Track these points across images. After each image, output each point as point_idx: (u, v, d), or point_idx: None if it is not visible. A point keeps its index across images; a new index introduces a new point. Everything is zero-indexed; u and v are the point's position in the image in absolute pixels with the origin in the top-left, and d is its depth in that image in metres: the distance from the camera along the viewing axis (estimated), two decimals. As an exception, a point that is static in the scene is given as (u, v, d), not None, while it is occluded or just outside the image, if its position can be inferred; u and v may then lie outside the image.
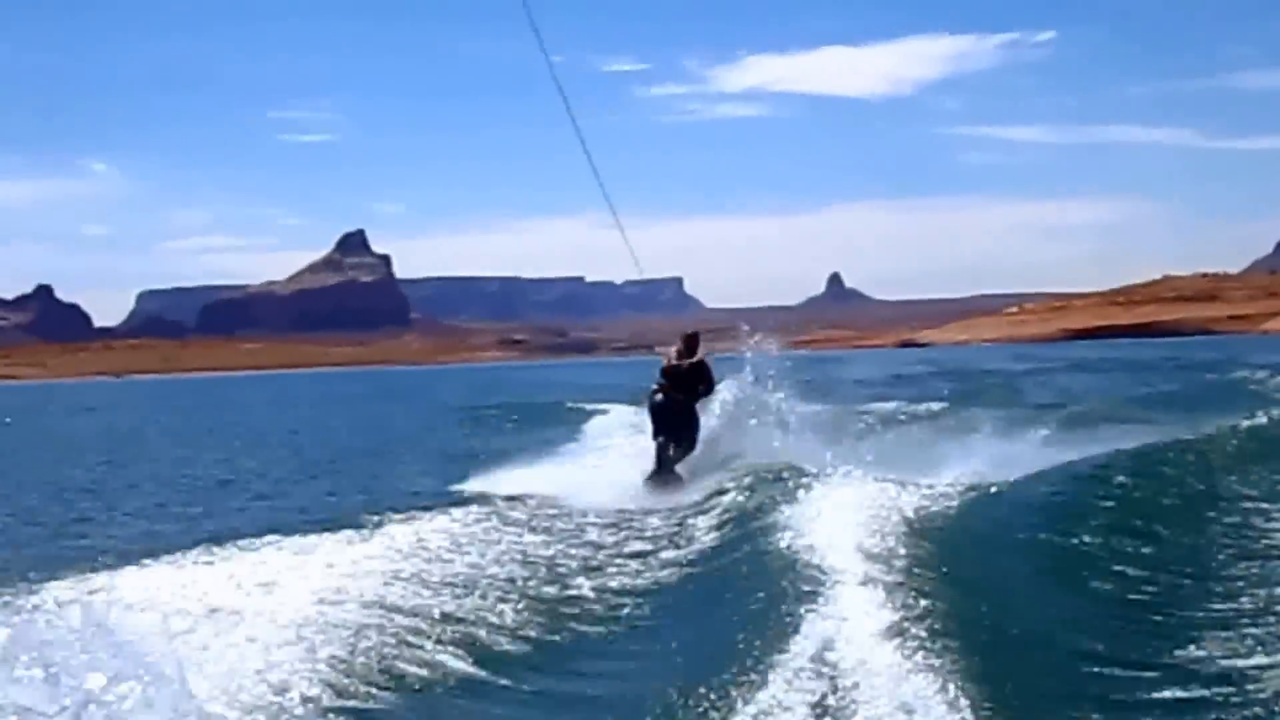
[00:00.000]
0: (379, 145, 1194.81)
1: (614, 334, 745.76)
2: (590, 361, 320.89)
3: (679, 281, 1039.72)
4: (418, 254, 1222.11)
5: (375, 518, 16.60)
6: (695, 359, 22.43)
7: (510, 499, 19.22)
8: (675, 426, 22.03)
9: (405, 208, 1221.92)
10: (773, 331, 25.04)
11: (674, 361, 22.44)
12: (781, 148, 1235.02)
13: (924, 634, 9.17)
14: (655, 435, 22.08)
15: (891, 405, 38.59)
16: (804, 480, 16.56)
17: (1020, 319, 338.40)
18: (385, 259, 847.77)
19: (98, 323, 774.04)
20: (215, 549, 14.16)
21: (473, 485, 21.74)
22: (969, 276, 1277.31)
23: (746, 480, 18.64)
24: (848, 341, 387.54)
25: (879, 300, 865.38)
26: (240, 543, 14.53)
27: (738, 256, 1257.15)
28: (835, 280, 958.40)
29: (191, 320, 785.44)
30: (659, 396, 22.31)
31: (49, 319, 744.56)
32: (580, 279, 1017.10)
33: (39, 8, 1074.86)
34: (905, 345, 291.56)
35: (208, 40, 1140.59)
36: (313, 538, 14.99)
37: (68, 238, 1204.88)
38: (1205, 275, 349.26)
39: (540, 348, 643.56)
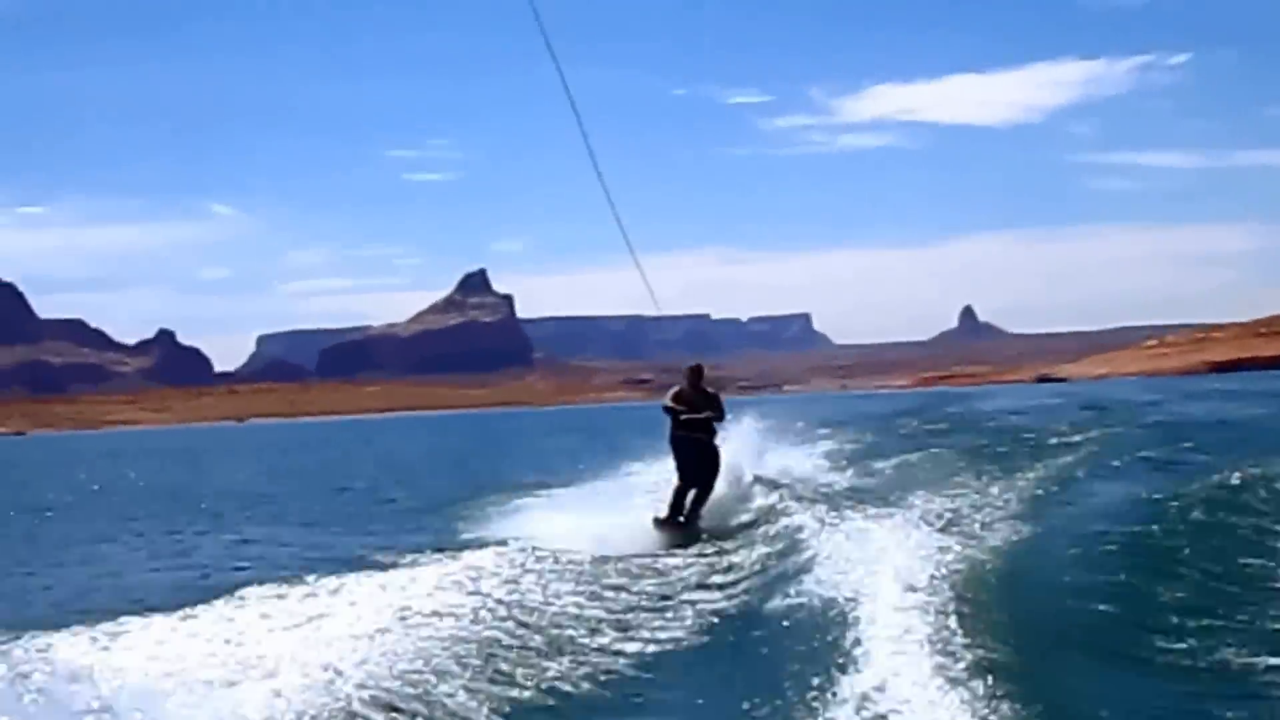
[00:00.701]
0: (498, 182, 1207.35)
1: (740, 371, 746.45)
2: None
3: (806, 318, 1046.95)
4: (539, 293, 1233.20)
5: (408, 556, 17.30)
6: (712, 397, 22.62)
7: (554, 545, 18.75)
8: (698, 467, 22.12)
9: (525, 245, 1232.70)
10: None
11: (683, 401, 22.46)
12: (908, 179, 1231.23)
13: (965, 695, 9.01)
14: (680, 473, 22.13)
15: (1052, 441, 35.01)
16: (853, 519, 16.89)
17: (1161, 351, 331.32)
18: (507, 299, 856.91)
19: (218, 367, 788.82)
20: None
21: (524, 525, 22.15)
22: (1105, 308, 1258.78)
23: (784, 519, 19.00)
24: (984, 377, 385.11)
25: (1014, 334, 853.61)
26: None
27: (866, 291, 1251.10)
28: (968, 314, 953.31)
29: (312, 363, 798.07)
30: (680, 431, 22.29)
31: (170, 363, 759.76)
32: (705, 316, 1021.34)
33: (157, 49, 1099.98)
34: (1043, 380, 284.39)
35: (328, 80, 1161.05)
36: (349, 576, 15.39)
37: (188, 281, 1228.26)
38: None
39: (665, 387, 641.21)
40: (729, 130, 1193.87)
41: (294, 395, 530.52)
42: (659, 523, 21.44)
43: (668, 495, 22.06)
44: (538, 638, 12.84)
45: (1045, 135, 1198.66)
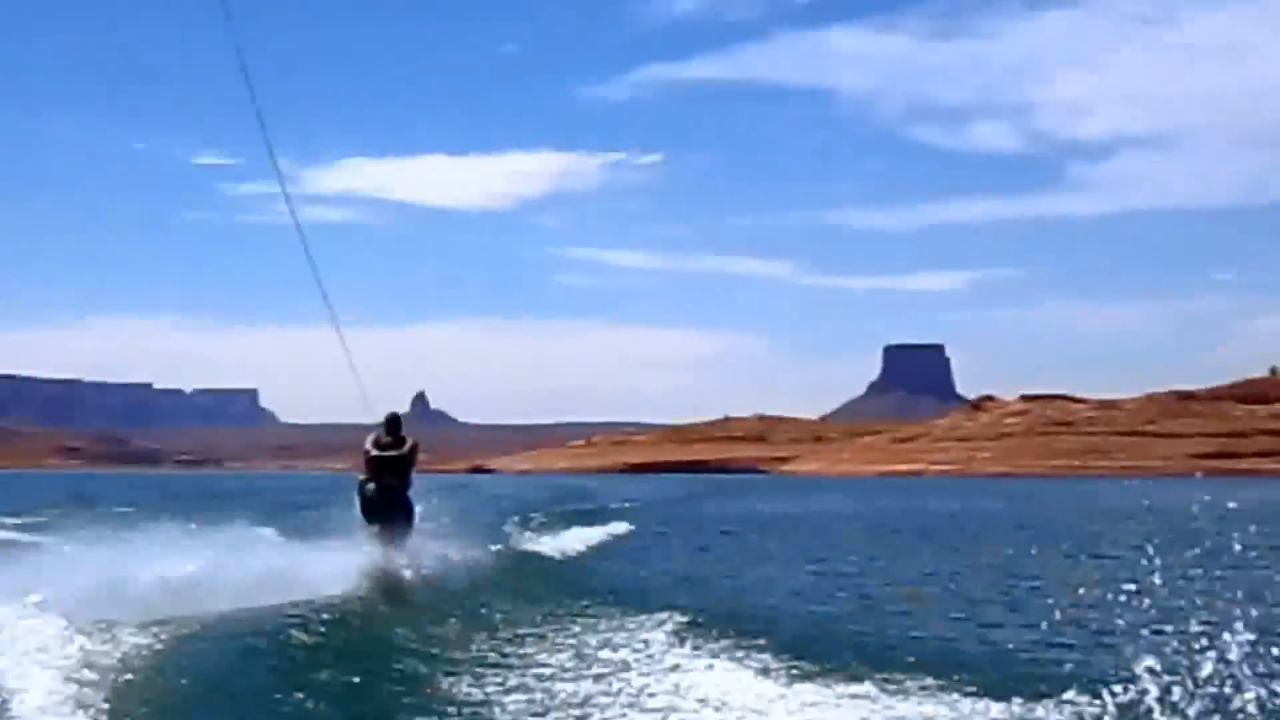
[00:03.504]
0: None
1: (180, 445, 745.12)
2: (148, 475, 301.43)
3: (253, 393, 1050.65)
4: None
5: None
6: (409, 444, 23.95)
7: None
8: (390, 513, 23.33)
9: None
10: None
11: (381, 448, 23.69)
12: (374, 256, 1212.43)
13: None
14: (369, 520, 23.44)
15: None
16: None
17: (585, 450, 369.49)
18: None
19: None
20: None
21: None
22: (565, 402, 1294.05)
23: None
24: (422, 465, 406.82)
25: (465, 423, 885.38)
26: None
27: (320, 370, 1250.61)
28: (420, 399, 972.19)
29: None
30: (370, 486, 23.42)
31: None
32: (148, 385, 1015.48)
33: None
34: (476, 471, 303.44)
35: None
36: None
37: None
38: (762, 417, 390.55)
39: (99, 456, 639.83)
40: (192, 192, 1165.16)
41: None
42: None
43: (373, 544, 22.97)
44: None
45: (515, 224, 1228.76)
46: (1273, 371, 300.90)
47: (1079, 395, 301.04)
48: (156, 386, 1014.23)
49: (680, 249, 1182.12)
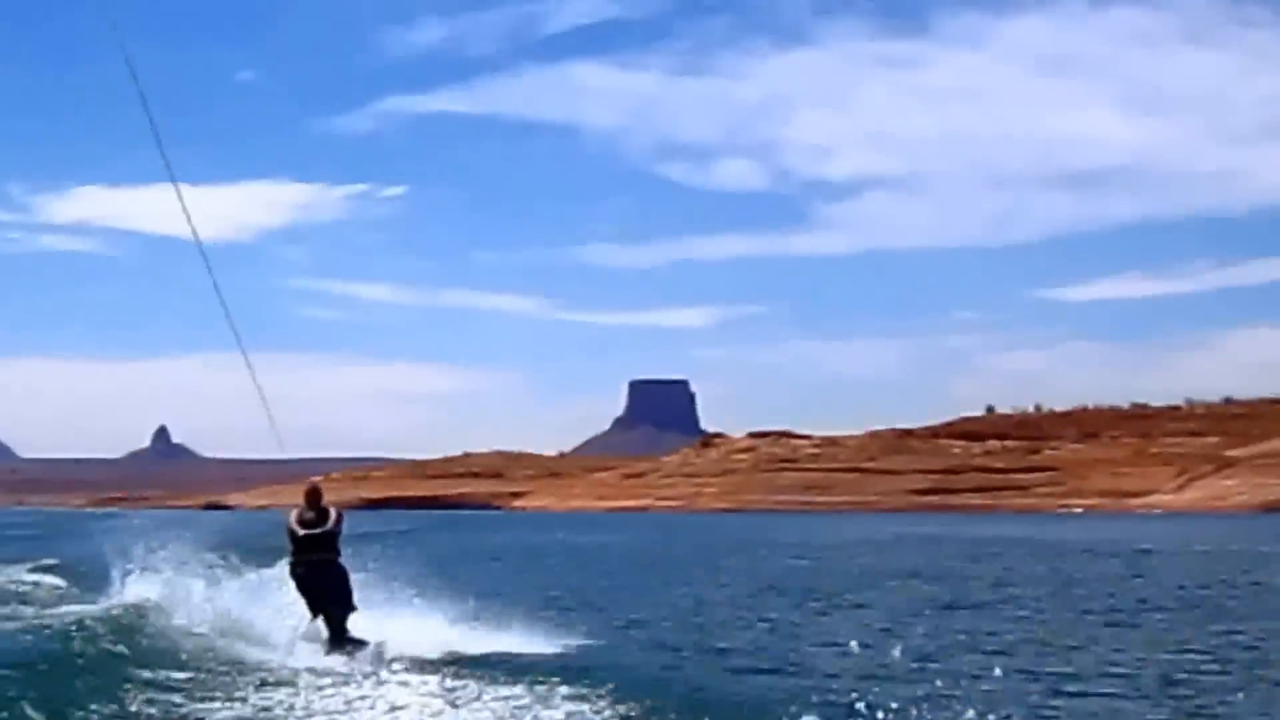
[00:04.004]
0: None
1: None
2: None
3: None
4: None
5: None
6: (333, 515, 23.20)
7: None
8: (335, 591, 22.63)
9: None
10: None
11: (305, 525, 22.91)
12: (112, 288, 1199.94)
13: None
14: (313, 610, 22.59)
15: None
16: None
17: (323, 485, 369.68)
18: None
19: None
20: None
21: None
22: (312, 438, 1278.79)
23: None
24: (159, 501, 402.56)
25: (210, 458, 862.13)
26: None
27: (60, 403, 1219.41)
28: (162, 434, 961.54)
29: None
30: (301, 569, 22.63)
31: None
32: None
33: None
34: (211, 508, 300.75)
35: None
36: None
37: None
38: (501, 453, 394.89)
39: None
40: None
41: None
42: (333, 647, 22.11)
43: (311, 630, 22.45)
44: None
45: (256, 256, 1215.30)
46: (989, 410, 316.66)
47: (807, 433, 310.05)
48: None
49: (428, 283, 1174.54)
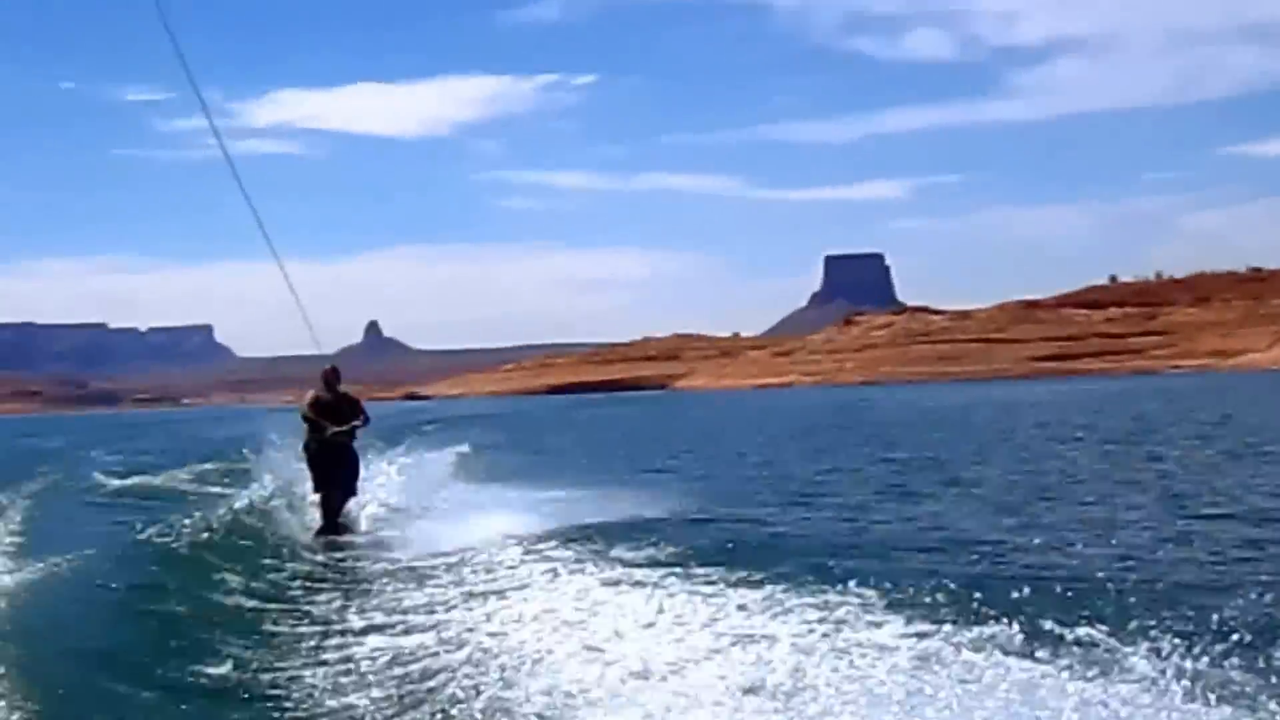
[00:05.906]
0: None
1: (138, 384, 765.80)
2: (109, 415, 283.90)
3: (209, 329, 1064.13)
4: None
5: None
6: (362, 418, 22.67)
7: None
8: (340, 473, 22.48)
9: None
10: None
11: (321, 406, 22.53)
12: (314, 188, 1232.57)
13: None
14: (317, 487, 22.49)
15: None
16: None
17: (510, 374, 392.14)
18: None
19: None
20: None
21: None
22: (513, 326, 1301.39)
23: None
24: (365, 394, 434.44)
25: (419, 350, 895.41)
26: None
27: (270, 303, 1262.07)
28: (374, 328, 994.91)
29: None
30: (314, 445, 22.44)
31: None
32: (102, 326, 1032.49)
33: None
34: (409, 398, 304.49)
35: None
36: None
37: None
38: (678, 335, 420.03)
39: (59, 399, 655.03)
40: (124, 130, 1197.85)
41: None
42: (319, 534, 21.77)
43: (315, 510, 22.53)
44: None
45: (453, 150, 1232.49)
46: (1112, 279, 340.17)
47: (940, 307, 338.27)
48: (111, 327, 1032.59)
49: (621, 169, 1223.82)
